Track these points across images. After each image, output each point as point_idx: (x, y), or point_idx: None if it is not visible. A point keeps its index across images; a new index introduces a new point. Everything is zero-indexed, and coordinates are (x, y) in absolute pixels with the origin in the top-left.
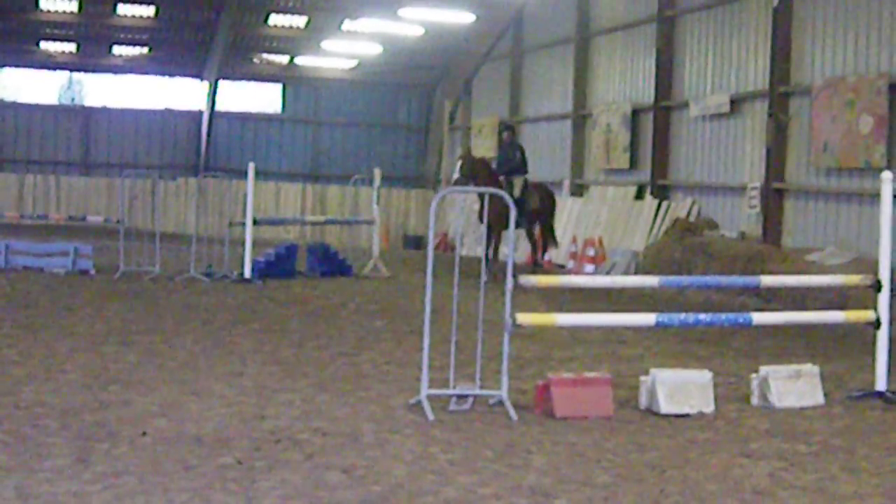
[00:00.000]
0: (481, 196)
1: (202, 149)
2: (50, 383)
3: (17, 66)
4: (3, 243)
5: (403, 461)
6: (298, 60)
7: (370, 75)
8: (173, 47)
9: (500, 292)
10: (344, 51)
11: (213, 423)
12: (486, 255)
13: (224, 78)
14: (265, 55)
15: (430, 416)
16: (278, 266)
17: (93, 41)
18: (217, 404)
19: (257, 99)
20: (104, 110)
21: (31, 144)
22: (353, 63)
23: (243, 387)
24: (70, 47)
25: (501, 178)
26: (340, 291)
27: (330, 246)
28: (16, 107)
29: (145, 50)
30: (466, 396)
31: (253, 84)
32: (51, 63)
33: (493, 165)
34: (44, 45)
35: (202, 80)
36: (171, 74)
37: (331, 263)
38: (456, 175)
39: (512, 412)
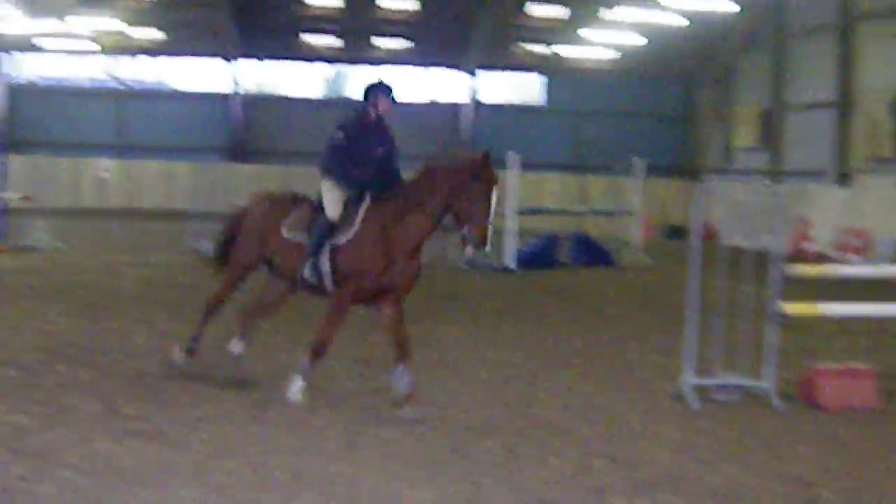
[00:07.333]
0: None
1: (463, 139)
2: (318, 370)
3: (279, 58)
4: None
5: (668, 449)
6: (558, 50)
7: (630, 65)
8: (434, 39)
9: (761, 283)
10: (604, 41)
11: (481, 410)
12: None
13: (484, 68)
14: (524, 45)
15: (694, 405)
16: (540, 256)
17: (355, 34)
18: (483, 391)
19: (517, 89)
20: None
21: (295, 137)
22: (613, 53)
23: (508, 375)
24: (333, 40)
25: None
26: (602, 281)
27: (591, 236)
28: (283, 101)
29: (407, 42)
30: (730, 386)
31: (512, 74)
32: (312, 55)
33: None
34: (305, 37)
35: (462, 70)
36: (431, 65)
37: (592, 253)
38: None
39: (777, 402)
